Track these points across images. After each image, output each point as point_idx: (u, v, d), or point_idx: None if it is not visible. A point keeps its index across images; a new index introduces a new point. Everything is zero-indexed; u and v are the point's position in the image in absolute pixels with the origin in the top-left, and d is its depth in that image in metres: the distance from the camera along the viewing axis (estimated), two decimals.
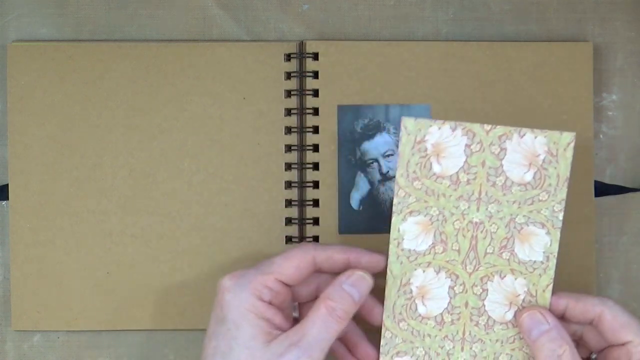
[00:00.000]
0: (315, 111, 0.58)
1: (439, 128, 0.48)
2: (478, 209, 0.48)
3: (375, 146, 0.58)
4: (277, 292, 0.48)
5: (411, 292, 0.49)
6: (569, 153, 0.48)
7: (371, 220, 0.58)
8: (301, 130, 0.58)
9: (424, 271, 0.49)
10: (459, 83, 0.58)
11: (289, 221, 0.58)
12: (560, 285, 0.58)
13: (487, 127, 0.48)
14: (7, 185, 0.58)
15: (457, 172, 0.48)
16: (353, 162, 0.58)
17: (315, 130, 0.58)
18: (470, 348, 0.50)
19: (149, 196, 0.58)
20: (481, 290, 0.49)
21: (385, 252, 0.50)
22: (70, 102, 0.58)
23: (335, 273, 0.49)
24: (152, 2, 0.59)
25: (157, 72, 0.58)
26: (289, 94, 0.58)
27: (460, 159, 0.48)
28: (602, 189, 0.59)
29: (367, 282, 0.48)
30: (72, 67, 0.58)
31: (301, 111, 0.58)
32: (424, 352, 0.50)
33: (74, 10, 0.59)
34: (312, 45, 0.58)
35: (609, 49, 0.60)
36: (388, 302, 0.50)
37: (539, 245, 0.49)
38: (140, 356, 0.59)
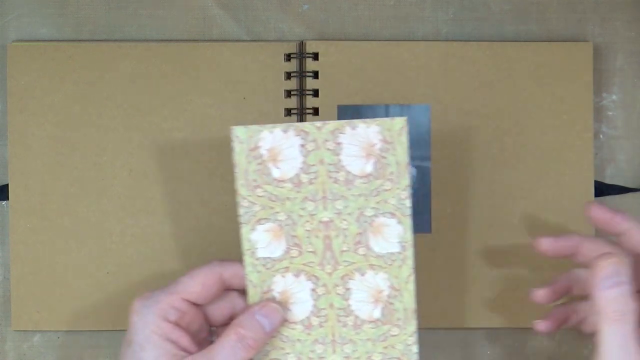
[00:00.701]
0: (315, 111, 0.58)
1: (271, 132, 0.47)
2: (325, 208, 0.47)
3: None
4: (184, 313, 0.47)
5: (274, 298, 0.48)
6: (404, 138, 0.46)
7: None
8: None
9: (283, 277, 0.48)
10: (459, 83, 0.58)
11: None
12: None
13: (319, 124, 0.47)
14: (7, 185, 0.58)
15: (297, 174, 0.47)
16: None
17: None
18: (342, 350, 0.49)
19: (149, 196, 0.58)
20: (344, 290, 0.48)
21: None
22: (70, 102, 0.58)
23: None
24: (152, 2, 0.59)
25: (157, 72, 0.58)
26: (289, 94, 0.58)
27: (297, 160, 0.47)
28: (602, 189, 0.59)
29: (280, 313, 0.48)
30: (72, 67, 0.58)
31: (301, 111, 0.58)
32: (296, 358, 0.49)
33: (74, 10, 0.59)
34: (312, 45, 0.58)
35: (609, 49, 0.60)
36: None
37: (393, 235, 0.48)
38: None
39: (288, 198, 0.47)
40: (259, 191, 0.47)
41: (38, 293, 0.57)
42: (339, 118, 0.58)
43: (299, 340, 0.49)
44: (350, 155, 0.47)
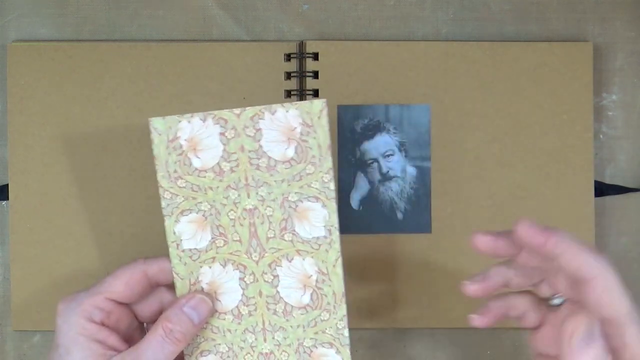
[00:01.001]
0: None
1: (189, 122, 0.46)
2: (249, 195, 0.47)
3: (375, 146, 0.58)
4: (109, 312, 0.47)
5: (202, 289, 0.48)
6: (324, 120, 0.46)
7: (371, 220, 0.58)
8: None
9: (210, 267, 0.48)
10: (459, 83, 0.58)
11: None
12: None
13: (237, 110, 0.46)
14: (7, 185, 0.58)
15: (218, 163, 0.47)
16: (353, 162, 0.58)
17: None
18: (273, 337, 0.49)
19: (149, 196, 0.58)
20: (272, 277, 0.48)
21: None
22: (70, 102, 0.58)
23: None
24: (152, 2, 0.59)
25: (157, 72, 0.58)
26: (289, 94, 0.58)
27: (217, 148, 0.47)
28: (602, 189, 0.59)
29: (208, 305, 0.47)
30: (72, 67, 0.58)
31: None
32: (227, 348, 0.49)
33: (74, 10, 0.59)
34: (312, 45, 0.58)
35: (609, 49, 0.60)
36: None
37: (318, 219, 0.47)
38: None
39: (210, 187, 0.47)
40: (180, 182, 0.47)
41: (38, 293, 0.57)
42: (339, 118, 0.58)
43: (229, 330, 0.48)
44: (271, 140, 0.46)
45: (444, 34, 0.60)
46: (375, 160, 0.58)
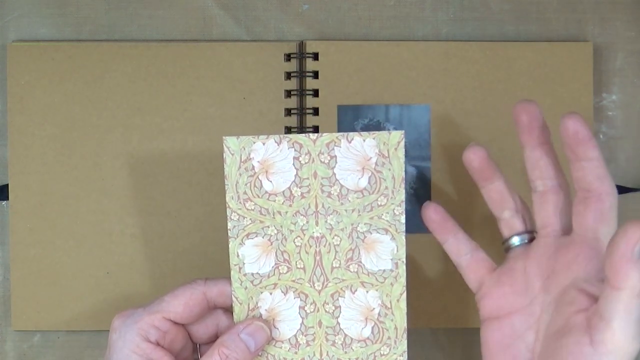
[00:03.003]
0: (315, 111, 0.58)
1: (263, 144, 0.46)
2: (317, 223, 0.46)
3: None
4: (165, 332, 0.46)
5: (261, 315, 0.47)
6: (401, 152, 0.46)
7: None
8: (301, 130, 0.58)
9: (270, 293, 0.47)
10: (459, 83, 0.58)
11: None
12: None
13: (314, 136, 0.46)
14: (7, 185, 0.58)
15: (289, 187, 0.46)
16: None
17: (315, 130, 0.58)
18: None
19: (149, 196, 0.58)
20: (333, 308, 0.47)
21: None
22: (70, 102, 0.58)
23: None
24: (152, 2, 0.59)
25: (157, 72, 0.58)
26: (289, 94, 0.58)
27: (290, 173, 0.46)
28: None
29: (265, 332, 0.47)
30: (72, 67, 0.58)
31: (301, 111, 0.58)
32: None
33: (74, 10, 0.59)
34: (312, 45, 0.58)
35: (609, 49, 0.60)
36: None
37: (386, 252, 0.47)
38: None
39: (279, 212, 0.46)
40: (249, 204, 0.47)
41: (38, 293, 0.57)
42: (339, 118, 0.58)
43: (285, 359, 0.48)
44: (345, 169, 0.46)
45: (444, 34, 0.60)
46: None
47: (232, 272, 0.47)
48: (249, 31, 0.59)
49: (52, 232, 0.58)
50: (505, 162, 0.58)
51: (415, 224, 0.58)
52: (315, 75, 0.58)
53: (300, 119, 0.58)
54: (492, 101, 0.58)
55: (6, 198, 0.58)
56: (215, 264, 0.58)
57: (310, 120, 0.58)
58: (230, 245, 0.47)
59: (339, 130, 0.58)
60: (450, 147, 0.58)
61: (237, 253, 0.47)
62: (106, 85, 0.58)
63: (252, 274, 0.47)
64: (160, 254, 0.58)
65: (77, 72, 0.58)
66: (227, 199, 0.47)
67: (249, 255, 0.47)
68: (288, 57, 0.58)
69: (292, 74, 0.58)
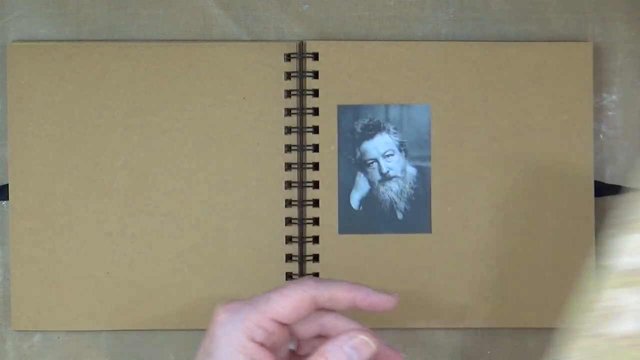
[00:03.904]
0: (315, 111, 0.58)
1: None
2: None
3: (375, 146, 0.58)
4: (271, 333, 0.44)
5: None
6: None
7: (371, 220, 0.58)
8: (301, 130, 0.58)
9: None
10: (459, 83, 0.58)
11: (289, 221, 0.58)
12: (560, 284, 0.58)
13: None
14: (7, 185, 0.58)
15: None
16: (353, 162, 0.58)
17: (315, 130, 0.58)
18: None
19: (149, 196, 0.58)
20: None
21: (394, 293, 0.47)
22: (70, 102, 0.58)
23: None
24: (152, 2, 0.59)
25: (157, 72, 0.58)
26: (289, 94, 0.58)
27: None
28: (602, 189, 0.59)
29: (371, 348, 0.44)
30: (72, 67, 0.58)
31: (301, 111, 0.58)
32: None
33: (74, 10, 0.59)
34: (312, 45, 0.58)
35: (609, 49, 0.60)
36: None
37: None
38: (140, 356, 0.59)
39: None
40: None
41: (38, 293, 0.57)
42: (339, 118, 0.58)
43: None
44: None
45: (444, 34, 0.60)
46: (375, 160, 0.58)
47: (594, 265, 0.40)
48: (249, 31, 0.59)
49: (52, 232, 0.58)
50: (505, 162, 0.58)
51: (415, 224, 0.58)
52: (315, 75, 0.58)
53: (300, 119, 0.58)
54: (492, 101, 0.58)
55: (6, 198, 0.58)
56: (216, 264, 0.58)
57: (310, 120, 0.58)
58: (617, 232, 0.38)
59: (339, 130, 0.58)
60: (450, 147, 0.58)
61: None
62: (106, 85, 0.58)
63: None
64: (160, 254, 0.58)
65: (77, 72, 0.58)
66: None
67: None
68: (288, 57, 0.58)
69: (292, 74, 0.58)
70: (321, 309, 0.46)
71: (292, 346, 0.49)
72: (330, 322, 0.47)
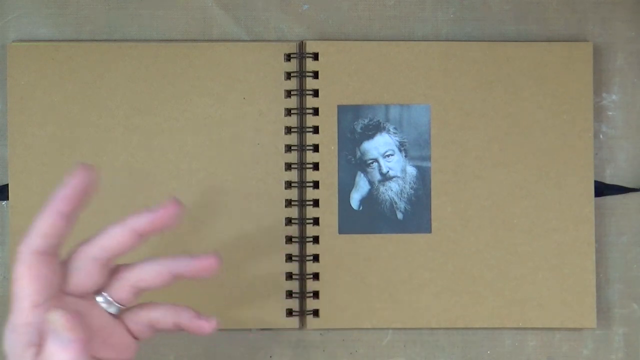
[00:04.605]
0: (315, 111, 0.58)
1: None
2: None
3: (375, 146, 0.58)
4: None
5: None
6: None
7: (371, 220, 0.58)
8: (301, 130, 0.58)
9: None
10: (459, 83, 0.58)
11: (289, 221, 0.58)
12: (560, 284, 0.58)
13: None
14: (7, 185, 0.58)
15: None
16: (353, 162, 0.58)
17: (315, 130, 0.58)
18: None
19: (149, 196, 0.58)
20: None
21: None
22: (70, 102, 0.58)
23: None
24: (152, 2, 0.59)
25: (157, 72, 0.58)
26: (289, 94, 0.58)
27: None
28: (602, 189, 0.59)
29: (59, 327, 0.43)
30: (72, 67, 0.58)
31: (301, 111, 0.58)
32: None
33: (74, 10, 0.59)
34: (312, 45, 0.58)
35: (609, 49, 0.60)
36: None
37: None
38: (140, 356, 0.59)
39: None
40: None
41: None
42: (339, 118, 0.58)
43: None
44: None
45: (444, 34, 0.60)
46: (375, 160, 0.58)
47: None
48: (249, 31, 0.59)
49: None
50: (505, 162, 0.58)
51: (415, 224, 0.58)
52: (315, 75, 0.58)
53: (300, 119, 0.58)
54: (492, 101, 0.58)
55: (6, 198, 0.58)
56: None
57: (310, 120, 0.58)
58: None
59: (339, 130, 0.58)
60: (450, 147, 0.58)
61: None
62: (106, 85, 0.58)
63: None
64: (161, 254, 0.58)
65: (77, 72, 0.58)
66: None
67: None
68: (288, 57, 0.58)
69: (292, 74, 0.58)
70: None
71: (113, 310, 0.50)
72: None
